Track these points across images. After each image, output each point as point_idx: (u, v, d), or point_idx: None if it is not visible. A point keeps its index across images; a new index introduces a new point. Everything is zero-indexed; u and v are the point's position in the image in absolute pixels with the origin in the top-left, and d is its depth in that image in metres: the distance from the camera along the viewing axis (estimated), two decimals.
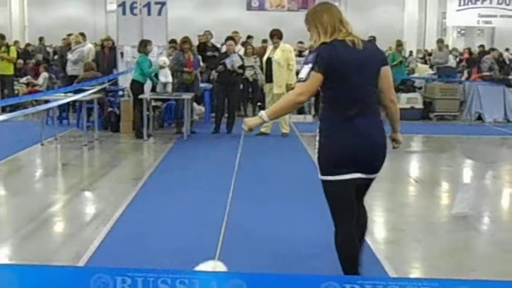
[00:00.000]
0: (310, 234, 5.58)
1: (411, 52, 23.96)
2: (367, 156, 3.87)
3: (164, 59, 11.19)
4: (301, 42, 15.83)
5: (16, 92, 15.12)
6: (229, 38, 12.10)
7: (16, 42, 20.57)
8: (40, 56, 18.24)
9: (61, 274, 2.60)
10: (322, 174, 3.90)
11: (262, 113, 3.91)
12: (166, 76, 11.11)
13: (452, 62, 17.98)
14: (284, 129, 11.37)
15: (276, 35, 11.12)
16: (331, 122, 3.89)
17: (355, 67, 3.78)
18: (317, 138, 3.91)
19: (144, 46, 11.24)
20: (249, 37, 16.40)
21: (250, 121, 3.96)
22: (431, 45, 25.26)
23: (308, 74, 3.74)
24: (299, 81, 3.80)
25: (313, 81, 3.74)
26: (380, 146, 3.93)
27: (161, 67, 11.09)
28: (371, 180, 4.05)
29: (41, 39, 21.14)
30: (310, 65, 3.75)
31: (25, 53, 18.94)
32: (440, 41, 17.29)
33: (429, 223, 6.20)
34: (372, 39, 15.10)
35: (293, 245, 5.34)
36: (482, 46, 22.52)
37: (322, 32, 3.88)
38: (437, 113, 14.49)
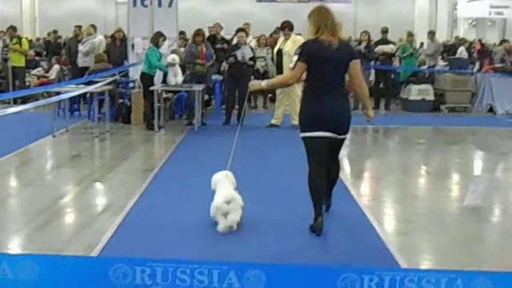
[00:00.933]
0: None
1: (422, 44, 23.80)
2: (330, 122, 5.28)
3: (174, 57, 11.00)
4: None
5: (27, 83, 15.18)
6: (239, 30, 12.08)
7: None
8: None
9: (80, 264, 2.62)
10: (300, 132, 5.44)
11: (264, 81, 5.77)
12: (175, 75, 10.97)
13: (464, 54, 17.88)
14: (294, 121, 11.34)
15: (287, 26, 11.10)
16: (307, 96, 5.42)
17: (327, 60, 5.22)
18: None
19: (157, 38, 11.17)
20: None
21: (253, 84, 5.84)
22: (443, 37, 25.10)
23: (295, 63, 5.27)
24: (290, 68, 5.38)
25: (299, 69, 5.29)
26: (341, 116, 5.36)
27: (171, 65, 10.95)
28: (340, 140, 5.46)
29: (55, 31, 21.15)
30: (297, 57, 5.26)
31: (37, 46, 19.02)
32: (431, 33, 17.08)
33: (441, 215, 6.18)
34: (386, 30, 15.04)
35: (301, 229, 5.36)
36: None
37: (312, 30, 5.33)
38: (449, 105, 14.42)
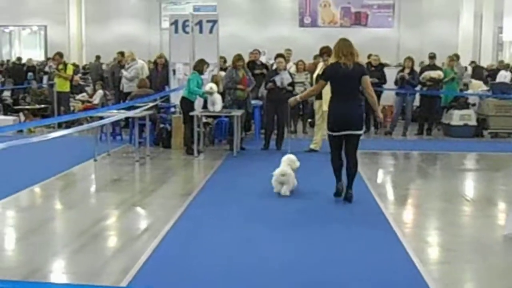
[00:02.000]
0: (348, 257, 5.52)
1: (465, 68, 23.52)
2: (346, 123, 7.31)
3: (211, 85, 11.10)
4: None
5: (72, 108, 15.53)
6: (278, 56, 12.14)
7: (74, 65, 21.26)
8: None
9: None
10: (327, 130, 7.54)
11: (298, 96, 8.46)
12: (213, 104, 11.07)
13: (507, 78, 17.57)
14: None
15: (326, 52, 11.09)
16: (331, 103, 7.47)
17: (343, 77, 7.28)
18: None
19: (202, 64, 11.32)
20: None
21: (291, 100, 8.11)
22: (487, 61, 24.72)
23: (317, 81, 8.40)
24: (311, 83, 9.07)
25: (319, 84, 7.91)
26: (354, 118, 7.35)
27: (208, 93, 11.05)
28: (355, 135, 7.38)
29: (98, 57, 21.68)
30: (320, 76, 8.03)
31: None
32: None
33: (481, 244, 6.04)
34: (433, 56, 14.91)
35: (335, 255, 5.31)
36: None
37: (334, 56, 7.45)
38: (492, 130, 14.17)
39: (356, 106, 7.39)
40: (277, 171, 7.76)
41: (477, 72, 17.83)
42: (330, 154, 7.56)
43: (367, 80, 7.45)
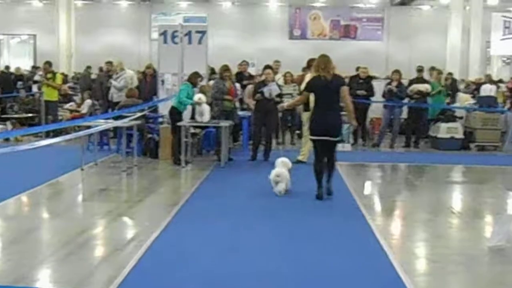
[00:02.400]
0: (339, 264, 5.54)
1: (453, 81, 23.67)
2: (326, 129, 8.23)
3: (200, 96, 11.14)
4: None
5: (60, 117, 15.49)
6: (267, 67, 12.18)
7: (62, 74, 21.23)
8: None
9: None
10: (309, 135, 8.56)
11: (285, 103, 10.19)
12: (201, 114, 11.10)
13: (492, 91, 17.68)
14: None
15: (312, 64, 11.15)
16: (314, 112, 8.47)
17: (324, 88, 8.24)
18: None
19: (196, 77, 11.40)
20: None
21: (279, 106, 10.13)
22: (475, 75, 24.91)
23: (302, 92, 8.99)
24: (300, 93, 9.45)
25: (304, 95, 8.92)
26: (333, 125, 8.32)
27: (197, 104, 11.08)
28: (334, 141, 8.36)
29: (88, 67, 21.65)
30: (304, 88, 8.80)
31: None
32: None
33: (466, 256, 6.07)
34: (421, 69, 15.10)
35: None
36: None
37: (314, 70, 8.52)
38: (478, 143, 14.28)
39: (336, 115, 8.35)
40: (272, 173, 8.60)
41: (453, 85, 17.93)
42: (314, 157, 8.55)
43: (345, 90, 8.41)
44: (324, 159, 8.41)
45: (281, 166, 8.76)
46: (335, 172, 8.75)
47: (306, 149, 11.49)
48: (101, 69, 18.10)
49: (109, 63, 15.80)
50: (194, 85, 11.30)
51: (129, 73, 14.98)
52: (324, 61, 8.33)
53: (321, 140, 8.28)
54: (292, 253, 5.93)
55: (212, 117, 11.37)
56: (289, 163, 8.89)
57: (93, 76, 20.37)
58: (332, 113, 8.23)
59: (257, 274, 5.32)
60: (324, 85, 8.20)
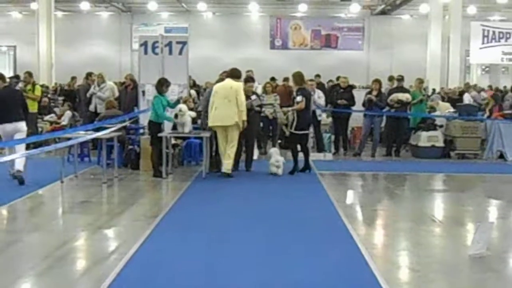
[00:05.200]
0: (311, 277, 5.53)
1: (434, 90, 23.89)
2: (307, 126, 11.59)
3: (181, 106, 11.13)
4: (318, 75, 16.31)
5: (40, 129, 15.36)
6: (249, 80, 12.15)
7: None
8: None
9: None
10: (296, 130, 11.25)
11: (290, 108, 11.72)
12: (184, 126, 11.09)
13: (471, 100, 17.86)
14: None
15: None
16: (302, 113, 11.24)
17: (308, 96, 11.59)
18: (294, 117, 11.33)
19: (161, 85, 11.19)
20: (272, 78, 16.72)
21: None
22: (455, 83, 25.16)
23: (302, 99, 11.23)
24: (297, 102, 11.20)
25: (303, 102, 11.19)
26: (311, 122, 12.10)
27: (180, 114, 11.06)
28: (308, 133, 11.78)
29: (73, 78, 21.48)
30: (301, 96, 11.24)
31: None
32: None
33: (446, 264, 6.10)
34: (401, 78, 15.16)
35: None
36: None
37: (297, 83, 11.54)
38: (458, 152, 14.38)
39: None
40: (272, 160, 11.18)
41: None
42: (292, 145, 11.53)
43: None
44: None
45: (277, 154, 11.25)
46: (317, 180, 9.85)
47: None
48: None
49: (89, 74, 15.75)
50: (161, 93, 11.16)
51: (110, 84, 14.93)
52: (303, 76, 11.63)
53: (303, 134, 11.42)
54: (272, 265, 5.90)
55: (203, 129, 11.32)
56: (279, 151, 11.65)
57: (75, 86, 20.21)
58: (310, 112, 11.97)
59: (237, 286, 5.30)
60: (308, 93, 11.68)
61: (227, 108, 10.73)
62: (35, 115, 15.21)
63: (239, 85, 10.93)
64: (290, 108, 11.58)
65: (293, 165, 11.30)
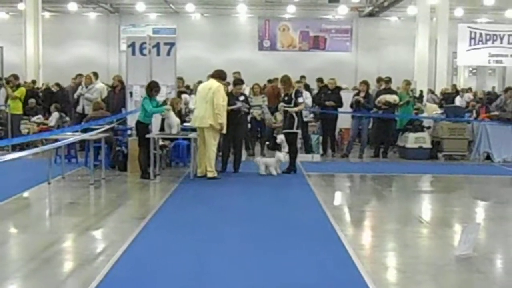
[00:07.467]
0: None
1: (421, 92, 23.98)
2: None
3: (167, 107, 11.21)
4: (303, 77, 16.40)
5: (26, 130, 15.25)
6: (238, 82, 12.15)
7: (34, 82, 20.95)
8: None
9: None
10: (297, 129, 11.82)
11: (291, 109, 11.69)
12: (170, 127, 11.13)
13: (460, 101, 17.96)
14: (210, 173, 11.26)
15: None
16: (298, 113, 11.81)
17: None
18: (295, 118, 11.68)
19: (150, 89, 11.10)
20: (269, 81, 16.76)
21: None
22: (442, 85, 25.27)
23: (303, 100, 12.20)
24: (299, 103, 11.76)
25: (303, 103, 12.30)
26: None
27: (166, 116, 11.12)
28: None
29: (57, 84, 21.34)
30: (301, 98, 12.00)
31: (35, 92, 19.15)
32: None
33: (432, 265, 6.12)
34: (389, 80, 15.19)
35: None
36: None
37: (290, 86, 11.87)
38: (446, 153, 14.45)
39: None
40: (279, 157, 11.47)
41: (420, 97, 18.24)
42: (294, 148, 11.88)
43: None
44: None
45: (280, 153, 11.47)
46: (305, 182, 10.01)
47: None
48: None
49: (80, 75, 15.70)
50: (150, 97, 11.12)
51: (100, 85, 14.87)
52: (290, 79, 12.06)
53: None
54: (260, 266, 5.90)
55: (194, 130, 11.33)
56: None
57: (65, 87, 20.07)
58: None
59: (224, 286, 5.29)
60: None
61: (203, 110, 10.76)
62: (19, 117, 15.07)
63: (218, 86, 10.84)
64: (295, 109, 11.56)
65: (291, 164, 11.69)
